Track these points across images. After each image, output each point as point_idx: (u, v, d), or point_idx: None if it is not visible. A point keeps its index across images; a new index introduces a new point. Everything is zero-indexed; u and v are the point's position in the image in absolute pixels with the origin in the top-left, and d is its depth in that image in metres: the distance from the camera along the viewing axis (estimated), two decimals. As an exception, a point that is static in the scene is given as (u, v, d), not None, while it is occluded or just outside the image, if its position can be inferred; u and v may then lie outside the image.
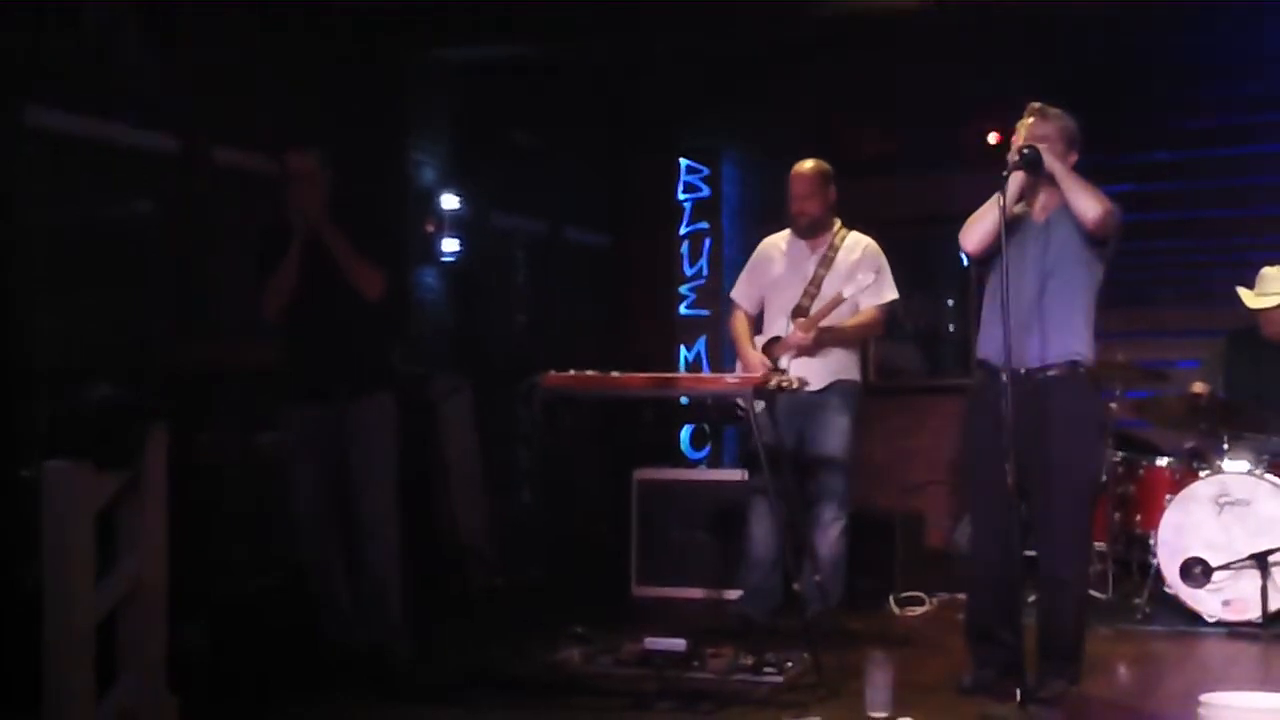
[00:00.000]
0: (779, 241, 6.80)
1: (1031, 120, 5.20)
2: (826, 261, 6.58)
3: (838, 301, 6.37)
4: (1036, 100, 5.27)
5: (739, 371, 6.63)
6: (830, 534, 6.50)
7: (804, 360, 6.44)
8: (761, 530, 6.57)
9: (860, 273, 6.42)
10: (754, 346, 6.63)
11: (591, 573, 7.70)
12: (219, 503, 6.23)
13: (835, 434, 6.50)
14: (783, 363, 6.42)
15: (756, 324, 6.75)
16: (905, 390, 9.44)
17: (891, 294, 6.61)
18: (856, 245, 6.64)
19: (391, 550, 5.70)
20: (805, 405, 6.39)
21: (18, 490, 5.11)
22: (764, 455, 5.61)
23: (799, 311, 6.51)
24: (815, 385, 6.30)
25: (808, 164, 6.66)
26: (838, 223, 6.69)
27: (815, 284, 6.55)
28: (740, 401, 5.83)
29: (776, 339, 6.56)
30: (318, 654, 5.59)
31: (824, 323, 6.43)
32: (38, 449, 4.90)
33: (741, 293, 6.84)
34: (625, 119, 9.30)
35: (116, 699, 4.28)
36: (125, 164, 6.35)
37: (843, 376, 6.54)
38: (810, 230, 6.63)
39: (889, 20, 7.74)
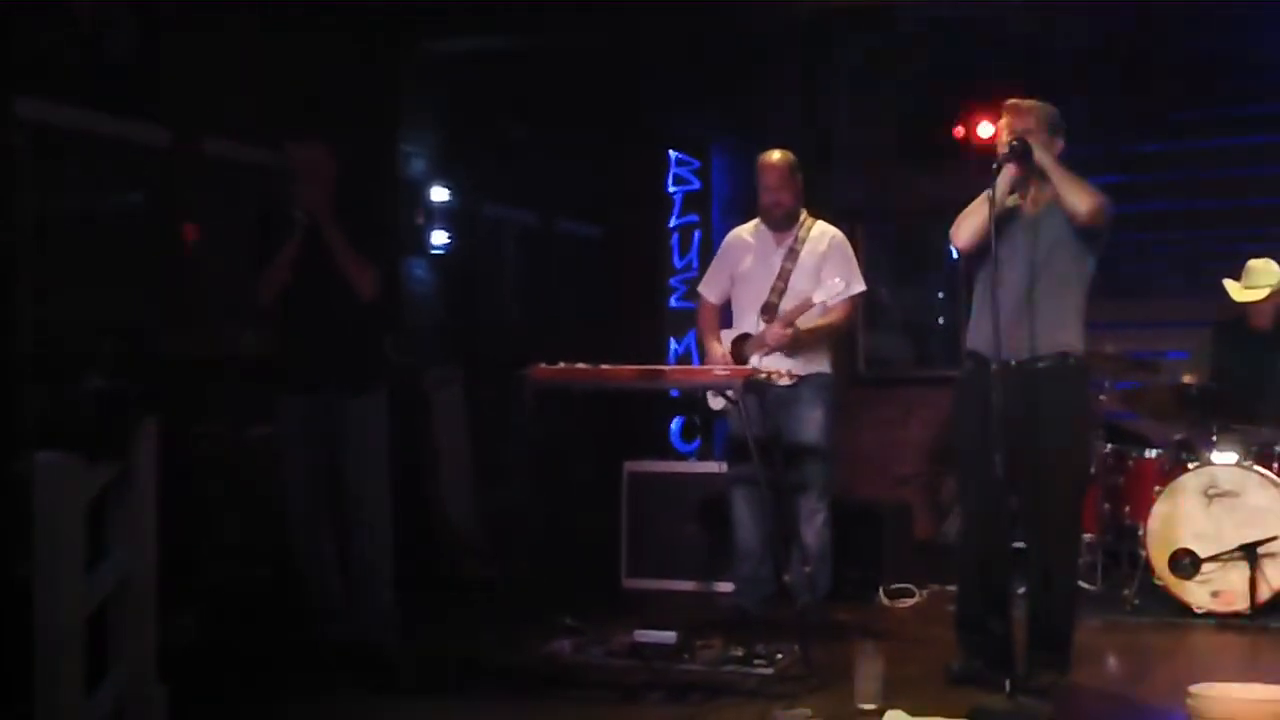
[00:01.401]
0: (745, 234, 6.80)
1: (1011, 116, 5.22)
2: (793, 255, 6.57)
3: (808, 305, 6.36)
4: (1026, 95, 5.28)
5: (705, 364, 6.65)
6: (814, 525, 6.51)
7: (775, 358, 6.42)
8: (745, 521, 6.59)
9: (831, 276, 6.41)
10: (717, 340, 6.66)
11: (582, 565, 7.71)
12: (210, 494, 6.22)
13: (810, 426, 6.50)
14: (753, 360, 6.42)
15: (725, 318, 6.77)
16: (894, 381, 9.46)
17: (859, 286, 6.59)
18: (823, 237, 6.62)
19: (384, 542, 5.70)
20: (778, 400, 6.38)
21: (8, 483, 5.11)
22: (754, 446, 5.61)
23: (768, 309, 6.52)
24: (786, 380, 6.31)
25: (775, 154, 6.64)
26: (803, 213, 6.69)
27: (783, 279, 6.54)
28: (729, 393, 5.84)
29: (746, 336, 6.56)
30: (309, 645, 5.59)
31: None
32: (29, 441, 4.90)
33: (708, 285, 6.86)
34: (616, 111, 9.30)
35: (107, 690, 4.28)
36: (116, 155, 6.34)
37: (813, 370, 6.52)
38: (785, 221, 6.63)
39: (879, 12, 7.75)
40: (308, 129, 5.76)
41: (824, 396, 6.55)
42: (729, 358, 6.51)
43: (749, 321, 6.58)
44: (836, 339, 6.74)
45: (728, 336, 6.65)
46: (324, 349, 5.63)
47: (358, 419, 5.66)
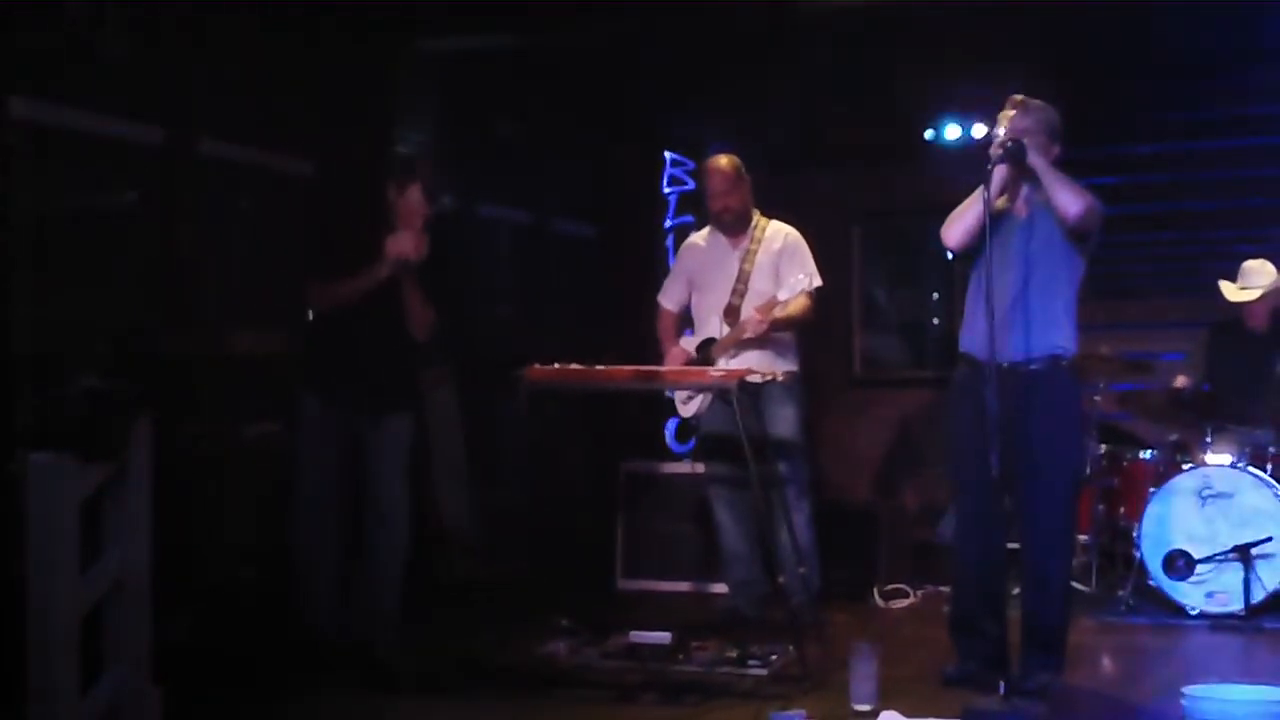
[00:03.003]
0: (699, 240, 6.85)
1: (1013, 113, 5.20)
2: (750, 256, 6.59)
3: (773, 305, 6.37)
4: (1020, 93, 5.28)
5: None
6: (797, 523, 6.51)
7: (742, 359, 6.43)
8: (728, 524, 6.60)
9: (791, 274, 6.43)
10: (678, 346, 6.68)
11: (577, 565, 7.71)
12: (207, 494, 6.22)
13: (782, 424, 6.51)
14: (720, 363, 6.43)
15: (684, 324, 6.79)
16: (889, 382, 9.45)
17: (817, 280, 6.56)
18: (777, 235, 6.64)
19: (401, 548, 5.71)
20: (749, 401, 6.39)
21: (3, 482, 5.10)
22: (748, 447, 5.61)
23: (730, 311, 6.54)
24: (756, 379, 6.32)
25: (723, 159, 6.69)
26: (756, 213, 6.70)
27: (742, 280, 6.57)
28: (713, 395, 5.85)
29: (711, 340, 6.57)
30: (306, 645, 5.58)
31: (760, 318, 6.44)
32: (22, 441, 4.89)
33: (665, 294, 6.90)
34: (611, 111, 9.29)
35: (102, 690, 4.28)
36: (110, 155, 6.33)
37: (780, 368, 6.53)
38: (736, 224, 6.65)
39: (874, 13, 7.74)
40: (401, 167, 5.76)
41: (794, 393, 6.56)
42: (692, 360, 6.52)
43: (712, 326, 6.62)
44: (801, 332, 6.72)
45: (690, 343, 6.67)
46: (368, 372, 5.63)
47: (389, 434, 5.68)
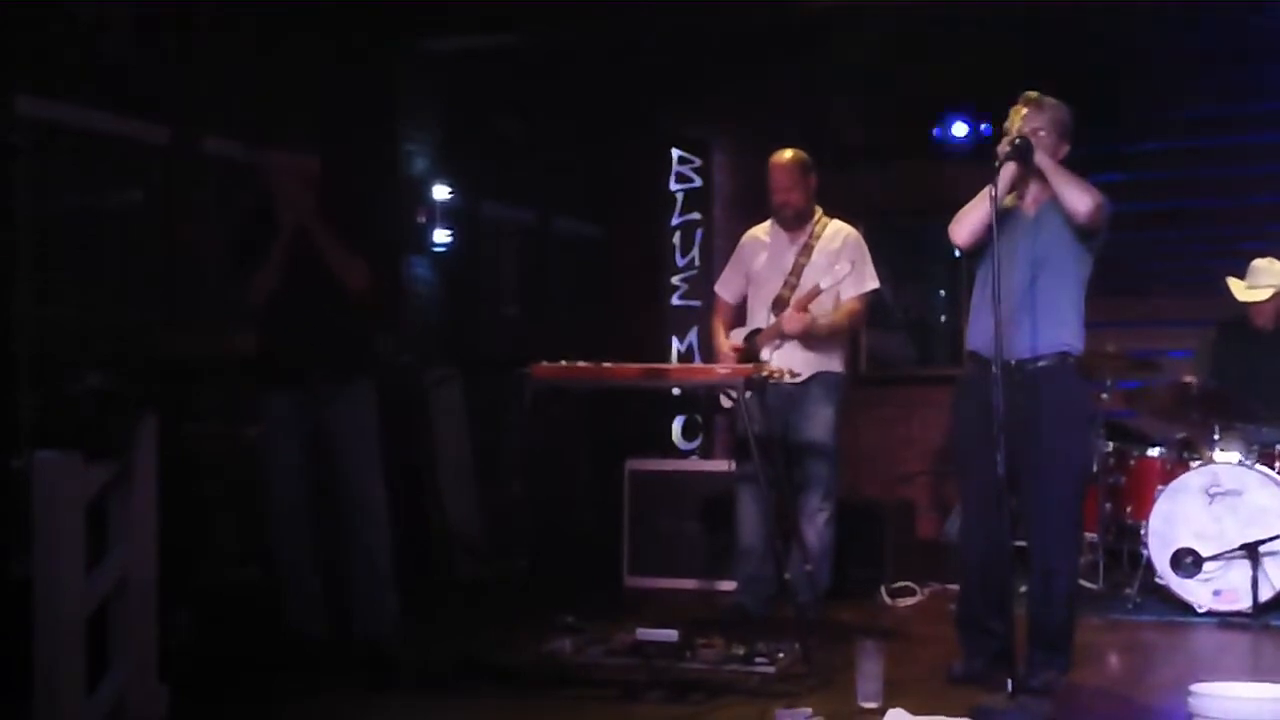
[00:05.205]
0: (760, 233, 6.81)
1: (1025, 110, 5.18)
2: (807, 251, 6.59)
3: (815, 293, 6.36)
4: (1031, 89, 5.26)
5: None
6: (817, 523, 6.51)
7: (786, 352, 6.43)
8: (749, 520, 6.58)
9: (838, 263, 6.42)
10: (726, 338, 6.66)
11: (583, 563, 7.70)
12: (206, 492, 6.22)
13: (819, 424, 6.51)
14: (765, 354, 6.42)
15: (740, 316, 6.76)
16: (896, 380, 9.45)
17: (872, 283, 6.60)
18: (837, 234, 6.63)
19: (382, 538, 5.68)
20: (788, 396, 6.40)
21: (7, 481, 5.10)
22: (754, 445, 5.60)
23: (779, 303, 6.52)
24: (799, 377, 6.32)
25: (787, 154, 6.65)
26: (818, 211, 6.69)
27: (795, 274, 6.55)
28: (731, 392, 5.83)
29: (758, 330, 6.57)
30: (289, 643, 5.56)
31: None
32: (27, 439, 4.89)
33: (723, 285, 6.88)
34: (617, 109, 9.29)
35: (107, 689, 4.28)
36: (115, 153, 6.34)
37: (825, 368, 6.53)
38: (795, 221, 6.63)
39: (881, 9, 7.74)
40: (301, 129, 5.72)
41: (834, 395, 6.56)
42: (735, 354, 6.50)
43: (761, 318, 6.60)
44: (849, 336, 6.74)
45: (740, 334, 6.65)
46: (309, 342, 5.55)
47: (345, 412, 5.60)
